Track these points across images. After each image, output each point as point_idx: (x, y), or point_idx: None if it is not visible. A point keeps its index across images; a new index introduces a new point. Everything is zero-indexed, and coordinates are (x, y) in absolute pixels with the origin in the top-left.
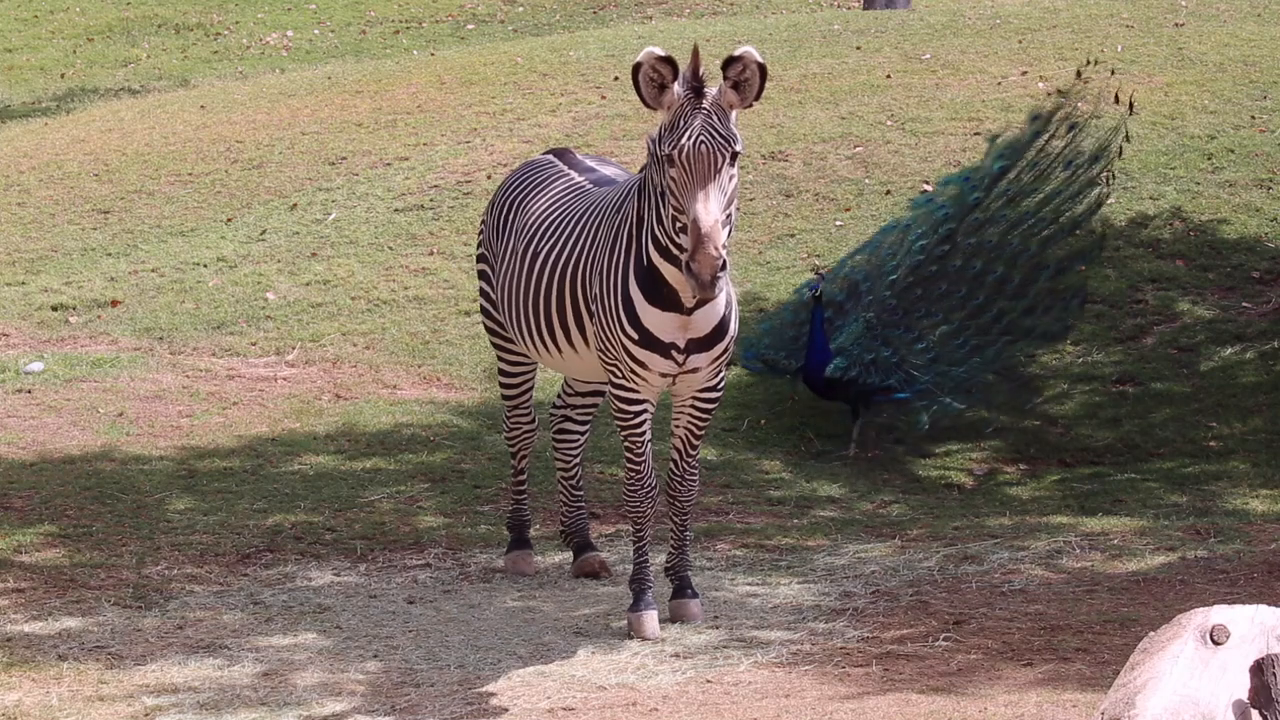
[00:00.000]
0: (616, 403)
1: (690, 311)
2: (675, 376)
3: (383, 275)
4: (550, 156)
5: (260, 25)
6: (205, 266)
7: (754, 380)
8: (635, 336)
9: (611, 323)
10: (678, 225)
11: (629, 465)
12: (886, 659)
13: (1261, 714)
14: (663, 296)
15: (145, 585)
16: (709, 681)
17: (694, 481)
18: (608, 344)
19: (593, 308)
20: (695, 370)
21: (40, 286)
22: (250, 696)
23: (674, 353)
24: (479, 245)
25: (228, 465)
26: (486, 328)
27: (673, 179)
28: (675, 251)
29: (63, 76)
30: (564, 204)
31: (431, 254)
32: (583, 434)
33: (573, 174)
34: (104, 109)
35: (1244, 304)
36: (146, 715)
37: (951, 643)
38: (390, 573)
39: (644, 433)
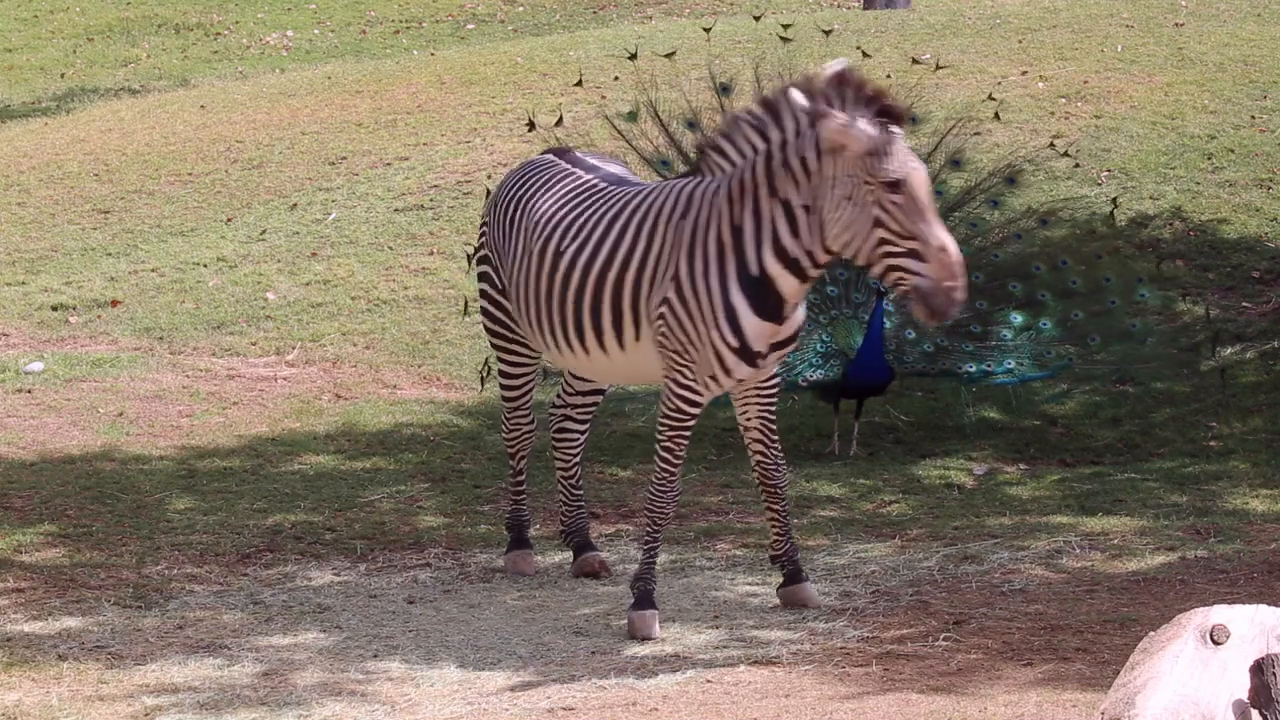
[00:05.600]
0: (678, 403)
1: (785, 319)
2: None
3: (383, 275)
4: (550, 156)
5: (260, 25)
6: (205, 266)
7: None
8: (735, 344)
9: (705, 329)
10: (882, 249)
11: (666, 465)
12: (886, 659)
13: (1261, 714)
14: (769, 307)
15: (145, 585)
16: (709, 681)
17: (784, 466)
18: (689, 348)
19: (659, 311)
20: (764, 368)
21: (40, 286)
22: (250, 696)
23: (758, 359)
24: (479, 247)
25: (228, 465)
26: (488, 329)
27: (896, 204)
28: (807, 267)
29: (63, 76)
30: (582, 202)
31: (431, 254)
32: (583, 434)
33: (579, 171)
34: (104, 109)
35: (1244, 304)
36: (146, 715)
37: (951, 643)
38: (390, 573)
39: (689, 435)
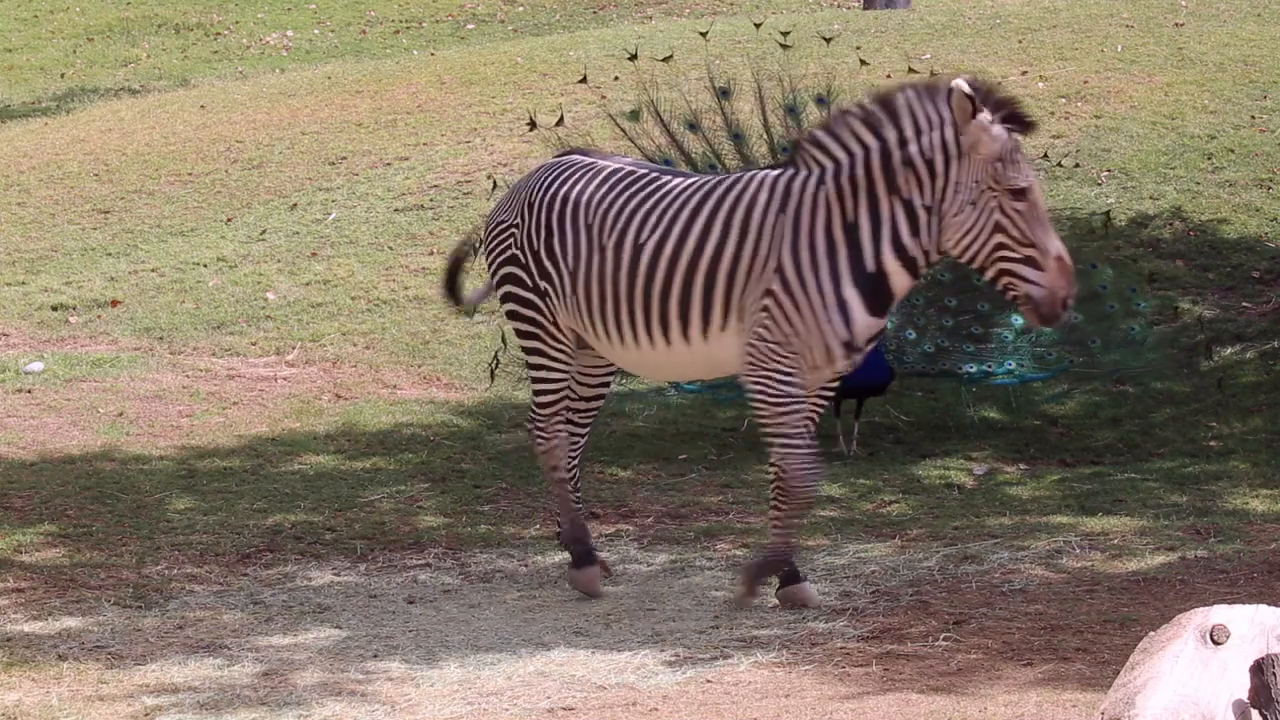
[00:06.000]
0: (784, 389)
1: (886, 315)
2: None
3: (383, 275)
4: (575, 155)
5: (260, 25)
6: (205, 266)
7: None
8: (846, 338)
9: (816, 322)
10: (999, 254)
11: (800, 448)
12: (886, 659)
13: (1261, 714)
14: (881, 303)
15: (145, 585)
16: (709, 681)
17: None
18: (792, 339)
19: (762, 304)
20: (853, 363)
21: (40, 286)
22: (250, 696)
23: (855, 353)
24: (503, 248)
25: (228, 465)
26: (521, 331)
27: (1019, 211)
28: (921, 266)
29: (63, 76)
30: (651, 194)
31: (431, 254)
32: (583, 438)
33: (625, 166)
34: (104, 109)
35: (1244, 304)
36: (146, 715)
37: (951, 643)
38: (390, 573)
39: (801, 412)
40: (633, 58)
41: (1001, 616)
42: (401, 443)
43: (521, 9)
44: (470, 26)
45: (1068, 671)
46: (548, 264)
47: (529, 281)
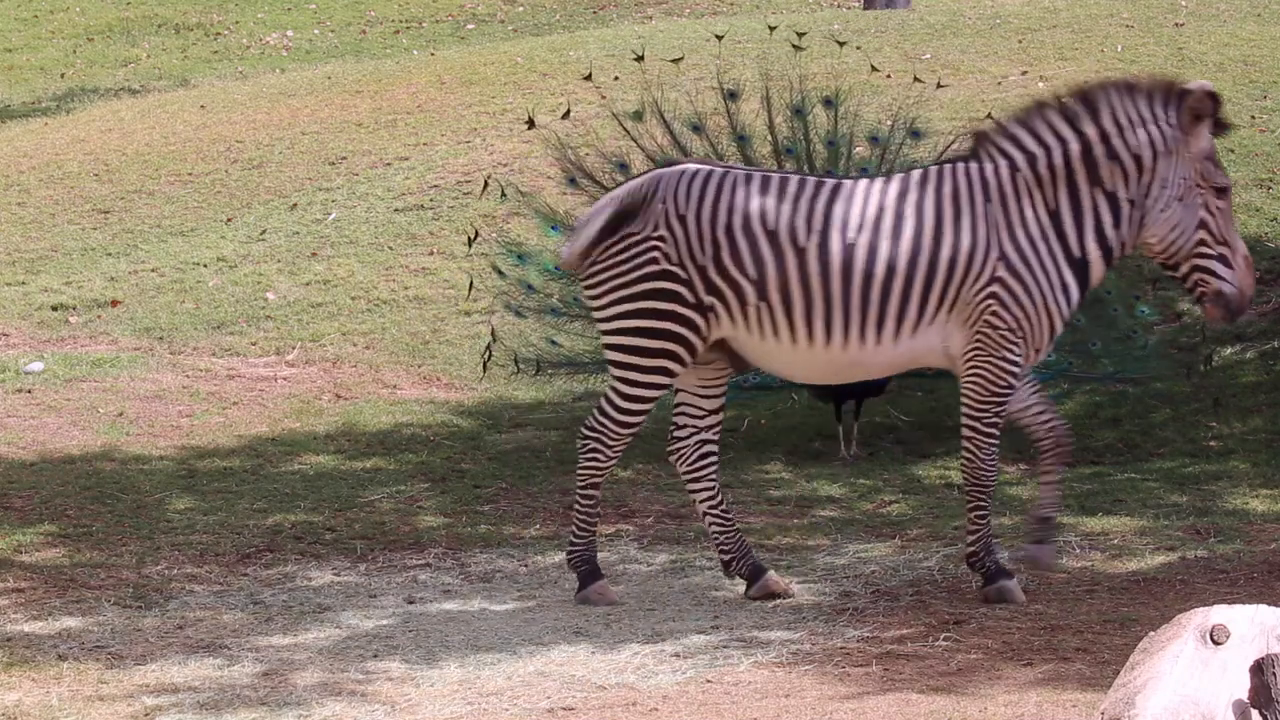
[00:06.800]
0: (1006, 379)
1: None
2: None
3: (383, 275)
4: (693, 165)
5: (260, 25)
6: (205, 266)
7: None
8: (1067, 318)
9: (1046, 305)
10: (1198, 250)
11: (989, 443)
12: (886, 659)
13: (1261, 714)
14: (1084, 290)
15: (145, 585)
16: (709, 681)
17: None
18: (1022, 323)
19: (989, 291)
20: None
21: (40, 286)
22: (250, 696)
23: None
24: (643, 262)
25: (228, 465)
26: (651, 350)
27: (1220, 210)
28: (1116, 257)
29: (63, 76)
30: (837, 196)
31: (431, 254)
32: (717, 455)
33: (769, 171)
34: (104, 109)
35: None
36: (146, 715)
37: (951, 643)
38: (390, 573)
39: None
40: (639, 59)
41: (1001, 616)
42: (401, 443)
43: (521, 9)
44: (470, 26)
45: (1068, 671)
46: (718, 278)
47: (690, 298)
